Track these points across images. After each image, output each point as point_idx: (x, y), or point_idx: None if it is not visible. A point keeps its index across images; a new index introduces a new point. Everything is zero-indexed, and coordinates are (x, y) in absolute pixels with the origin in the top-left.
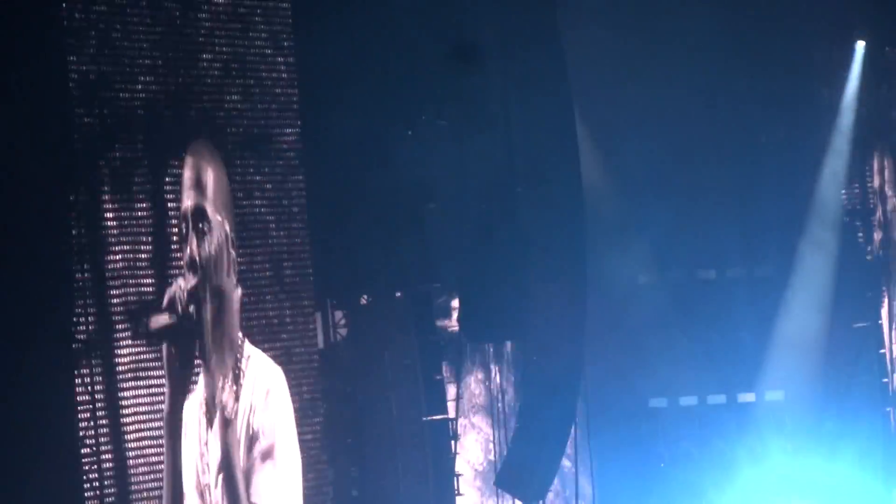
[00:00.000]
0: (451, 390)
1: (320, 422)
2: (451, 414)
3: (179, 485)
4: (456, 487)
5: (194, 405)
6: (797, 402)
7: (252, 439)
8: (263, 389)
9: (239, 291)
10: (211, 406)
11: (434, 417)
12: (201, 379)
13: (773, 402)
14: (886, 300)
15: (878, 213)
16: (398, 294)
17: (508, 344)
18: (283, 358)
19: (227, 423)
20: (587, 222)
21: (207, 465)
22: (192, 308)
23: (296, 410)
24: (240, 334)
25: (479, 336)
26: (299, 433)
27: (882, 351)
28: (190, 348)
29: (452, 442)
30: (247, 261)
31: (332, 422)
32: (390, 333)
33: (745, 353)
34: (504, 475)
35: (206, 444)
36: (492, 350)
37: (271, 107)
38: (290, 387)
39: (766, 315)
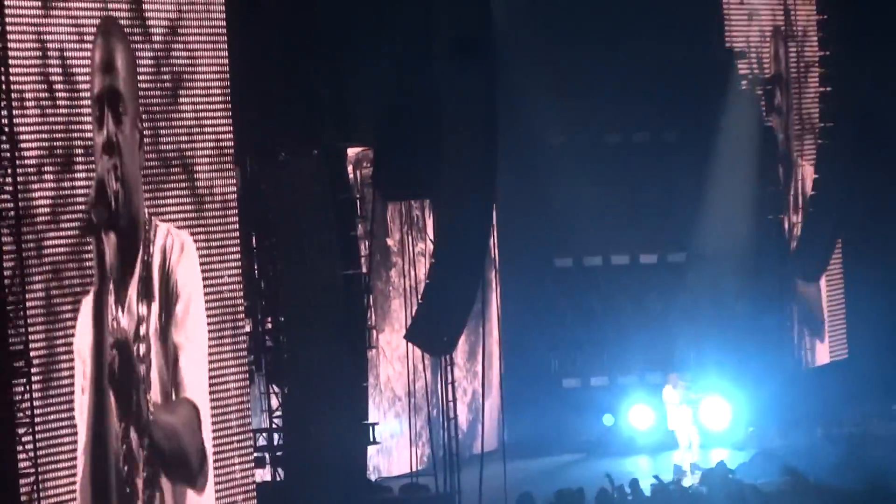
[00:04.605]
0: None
1: (238, 276)
2: (364, 269)
3: (103, 351)
4: (367, 340)
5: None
6: (699, 262)
7: (169, 294)
8: (177, 247)
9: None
10: (119, 286)
11: (348, 272)
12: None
13: (675, 263)
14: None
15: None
16: (315, 151)
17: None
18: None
19: (143, 285)
20: (499, 77)
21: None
22: (120, 191)
23: (215, 264)
24: (146, 211)
25: (393, 193)
26: (219, 285)
27: (781, 216)
28: (117, 232)
29: (365, 296)
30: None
31: (250, 276)
32: (307, 190)
33: (649, 215)
34: (414, 329)
35: (116, 321)
36: (405, 208)
37: None
38: (210, 242)
39: (671, 177)
